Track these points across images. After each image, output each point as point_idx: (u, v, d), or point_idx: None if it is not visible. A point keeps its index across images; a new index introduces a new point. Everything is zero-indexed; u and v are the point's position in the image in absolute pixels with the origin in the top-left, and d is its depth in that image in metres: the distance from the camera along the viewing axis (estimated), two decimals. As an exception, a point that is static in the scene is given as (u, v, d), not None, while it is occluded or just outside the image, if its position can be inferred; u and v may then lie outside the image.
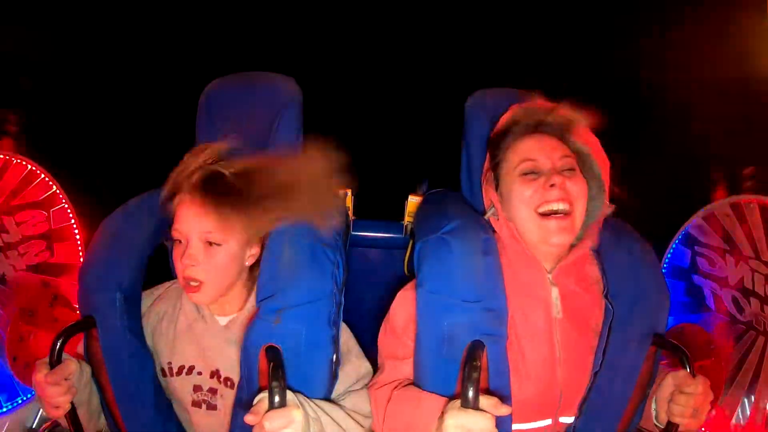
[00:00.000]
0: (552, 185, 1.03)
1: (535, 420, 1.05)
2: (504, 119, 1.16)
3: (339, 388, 1.10)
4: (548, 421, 1.06)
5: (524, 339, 1.04)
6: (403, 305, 1.10)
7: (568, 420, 1.06)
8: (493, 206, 1.12)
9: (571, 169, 1.08)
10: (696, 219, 2.08)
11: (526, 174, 1.07)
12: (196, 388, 1.15)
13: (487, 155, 1.17)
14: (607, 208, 1.11)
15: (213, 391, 1.14)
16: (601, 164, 1.12)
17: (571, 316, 1.07)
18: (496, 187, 1.14)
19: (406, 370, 1.07)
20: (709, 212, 2.05)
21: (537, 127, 1.12)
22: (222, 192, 1.05)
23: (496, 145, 1.15)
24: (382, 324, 1.13)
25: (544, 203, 1.04)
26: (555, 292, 1.07)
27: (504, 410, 0.87)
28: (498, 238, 1.11)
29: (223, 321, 1.16)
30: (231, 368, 1.12)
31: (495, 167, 1.14)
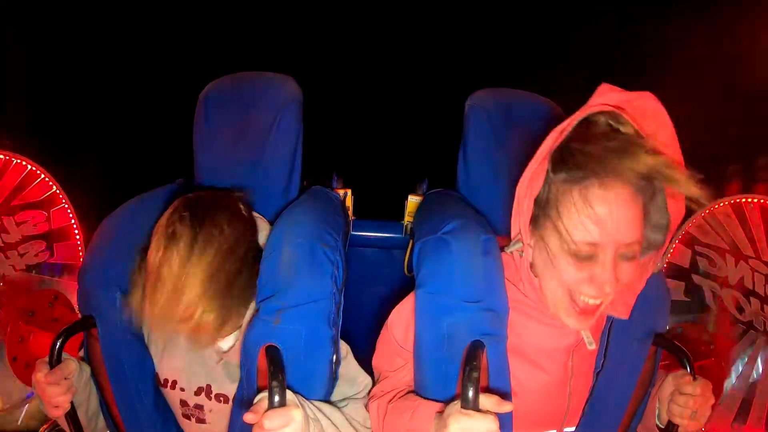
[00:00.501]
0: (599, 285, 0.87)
1: (539, 430, 1.04)
2: (593, 122, 0.86)
3: (336, 396, 1.09)
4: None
5: (540, 356, 1.01)
6: (401, 318, 1.07)
7: (572, 430, 1.06)
8: (520, 242, 0.94)
9: (631, 257, 0.88)
10: (697, 218, 2.07)
11: (578, 255, 0.87)
12: (183, 403, 1.14)
13: (545, 165, 0.88)
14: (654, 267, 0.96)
15: (199, 407, 1.12)
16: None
17: (594, 332, 1.04)
18: (533, 222, 0.93)
19: (406, 377, 1.07)
20: (710, 212, 2.05)
21: (622, 175, 0.83)
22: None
23: (563, 164, 0.86)
24: (382, 330, 1.12)
25: (581, 293, 0.90)
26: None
27: (506, 407, 0.87)
28: (512, 263, 1.02)
29: (224, 345, 1.11)
30: (224, 385, 1.10)
31: (543, 202, 0.90)
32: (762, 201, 1.97)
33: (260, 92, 1.28)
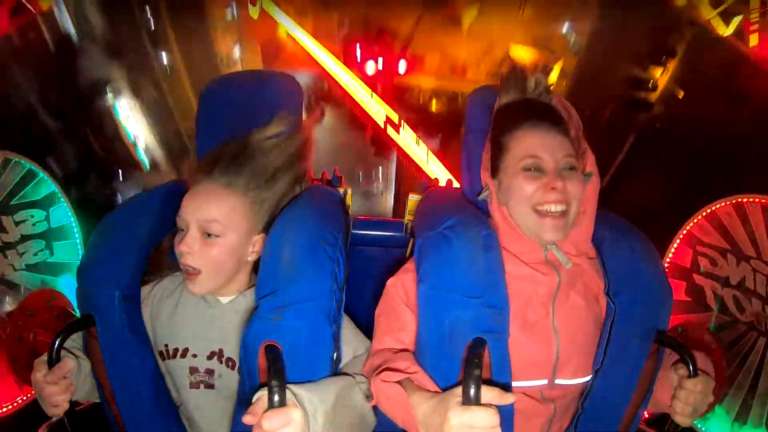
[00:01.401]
0: (553, 188, 1.05)
1: (529, 379, 1.05)
2: (504, 99, 1.17)
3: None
4: (544, 381, 1.06)
5: (519, 301, 1.05)
6: (396, 282, 1.13)
7: (566, 382, 1.06)
8: (488, 189, 1.15)
9: (572, 168, 1.09)
10: (698, 218, 2.07)
11: (528, 170, 1.08)
12: (193, 370, 1.15)
13: (489, 137, 1.16)
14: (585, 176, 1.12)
15: (210, 372, 1.14)
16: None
17: (570, 278, 1.08)
18: (493, 173, 1.15)
19: (405, 339, 1.08)
20: (711, 212, 2.05)
21: (539, 117, 1.11)
22: (229, 177, 1.10)
23: (498, 129, 1.15)
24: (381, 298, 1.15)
25: (543, 202, 1.06)
26: (556, 249, 1.09)
27: (508, 399, 0.87)
28: (492, 220, 1.14)
29: (225, 300, 1.16)
30: (234, 348, 1.12)
31: (496, 153, 1.14)
32: (763, 201, 1.96)
33: (261, 90, 1.28)
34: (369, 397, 1.05)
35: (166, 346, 1.17)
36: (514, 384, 1.00)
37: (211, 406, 1.15)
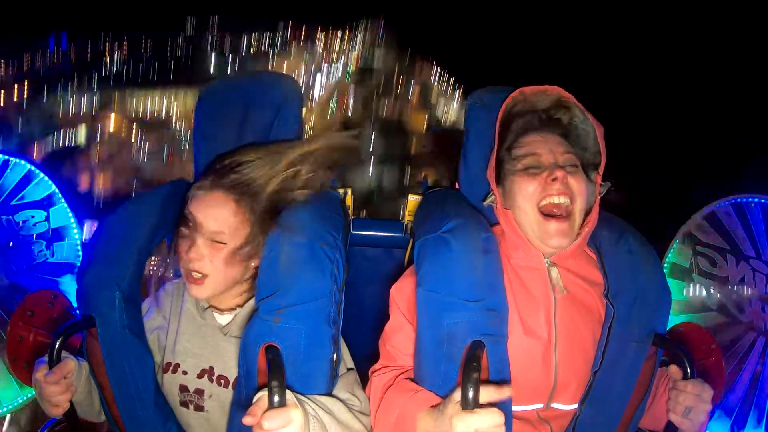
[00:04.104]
0: (554, 179, 1.05)
1: (525, 404, 1.05)
2: (506, 108, 1.17)
3: None
4: (539, 405, 1.06)
5: (521, 322, 1.05)
6: (401, 290, 1.13)
7: (561, 407, 1.06)
8: (492, 194, 1.16)
9: (573, 166, 1.10)
10: (697, 218, 2.07)
11: (528, 168, 1.10)
12: (182, 388, 1.14)
13: (495, 146, 1.18)
14: (600, 187, 1.13)
15: (200, 392, 1.13)
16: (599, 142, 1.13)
17: (572, 299, 1.08)
18: (498, 179, 1.16)
19: (406, 357, 1.08)
20: (711, 211, 2.05)
21: (539, 124, 1.15)
22: (234, 187, 1.09)
23: (501, 138, 1.17)
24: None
25: (546, 197, 1.06)
26: (555, 272, 1.09)
27: (506, 392, 0.87)
28: (498, 228, 1.14)
29: (222, 319, 1.16)
30: (226, 366, 1.12)
31: (500, 160, 1.17)
32: (763, 200, 1.96)
33: (259, 91, 1.28)
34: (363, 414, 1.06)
35: (164, 359, 1.16)
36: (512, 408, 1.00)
37: (201, 427, 1.14)
